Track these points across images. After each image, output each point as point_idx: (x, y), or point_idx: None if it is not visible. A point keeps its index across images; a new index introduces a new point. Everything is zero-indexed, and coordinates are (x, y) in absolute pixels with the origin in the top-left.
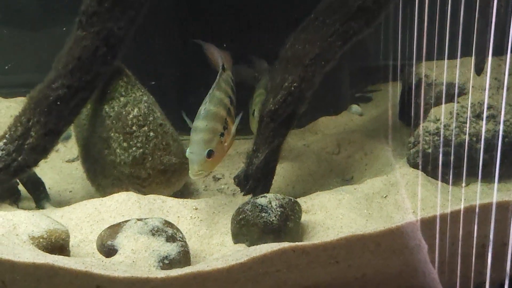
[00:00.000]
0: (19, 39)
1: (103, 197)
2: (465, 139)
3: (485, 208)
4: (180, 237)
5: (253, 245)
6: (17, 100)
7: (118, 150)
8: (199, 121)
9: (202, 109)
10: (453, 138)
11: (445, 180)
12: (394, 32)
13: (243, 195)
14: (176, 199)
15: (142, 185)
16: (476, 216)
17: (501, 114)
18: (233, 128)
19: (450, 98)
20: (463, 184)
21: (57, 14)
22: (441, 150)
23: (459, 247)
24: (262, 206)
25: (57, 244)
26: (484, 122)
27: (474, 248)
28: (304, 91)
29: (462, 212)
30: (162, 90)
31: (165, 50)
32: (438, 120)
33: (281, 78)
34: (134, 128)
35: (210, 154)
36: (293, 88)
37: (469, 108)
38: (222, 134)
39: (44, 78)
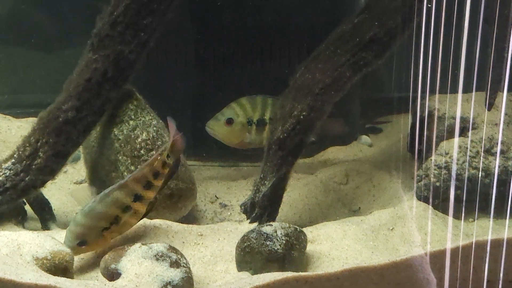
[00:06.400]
0: (33, 60)
1: None
2: (474, 174)
3: (494, 244)
4: (184, 263)
5: (257, 273)
6: (28, 121)
7: (125, 173)
8: (79, 215)
9: (88, 205)
10: (463, 173)
11: (453, 215)
12: (406, 64)
13: (249, 222)
14: (182, 224)
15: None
16: (487, 252)
17: (511, 149)
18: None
19: (460, 132)
20: (471, 219)
21: (70, 36)
22: (450, 184)
23: (468, 282)
24: (267, 234)
25: (61, 266)
26: (497, 157)
27: (485, 284)
28: (313, 120)
29: (470, 247)
30: (172, 114)
31: (177, 75)
32: (448, 153)
33: (291, 106)
34: (142, 151)
35: (81, 244)
36: (302, 116)
37: (479, 143)
38: (106, 229)
39: (55, 99)
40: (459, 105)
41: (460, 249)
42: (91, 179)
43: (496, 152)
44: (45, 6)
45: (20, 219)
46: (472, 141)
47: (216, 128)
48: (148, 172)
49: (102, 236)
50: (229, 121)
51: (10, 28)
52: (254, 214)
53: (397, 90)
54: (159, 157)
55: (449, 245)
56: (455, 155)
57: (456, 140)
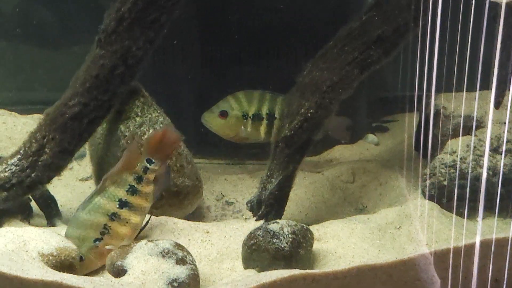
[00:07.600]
0: (39, 57)
1: None
2: (481, 173)
3: (500, 243)
4: (190, 260)
5: (264, 271)
6: (34, 117)
7: None
8: (68, 227)
9: (73, 216)
10: (469, 171)
11: (459, 213)
12: (413, 63)
13: (256, 220)
14: (188, 221)
15: (155, 207)
16: (491, 251)
17: None
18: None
19: (467, 131)
20: (478, 218)
21: (77, 33)
22: (456, 182)
23: (472, 281)
24: (274, 232)
25: (67, 262)
26: (503, 156)
27: (489, 283)
28: (320, 118)
29: (476, 246)
30: (178, 111)
31: (182, 71)
32: (455, 152)
33: (298, 104)
34: None
35: (80, 258)
36: (309, 114)
37: (486, 141)
38: (98, 240)
39: (62, 95)
40: (463, 103)
41: (462, 248)
42: (97, 176)
43: (505, 151)
44: (51, 3)
45: (25, 215)
46: (480, 140)
47: (210, 120)
48: (128, 176)
49: (95, 248)
50: (223, 114)
51: (16, 25)
52: (260, 212)
53: (404, 88)
54: (133, 152)
55: (451, 245)
56: (458, 153)
57: (460, 139)
